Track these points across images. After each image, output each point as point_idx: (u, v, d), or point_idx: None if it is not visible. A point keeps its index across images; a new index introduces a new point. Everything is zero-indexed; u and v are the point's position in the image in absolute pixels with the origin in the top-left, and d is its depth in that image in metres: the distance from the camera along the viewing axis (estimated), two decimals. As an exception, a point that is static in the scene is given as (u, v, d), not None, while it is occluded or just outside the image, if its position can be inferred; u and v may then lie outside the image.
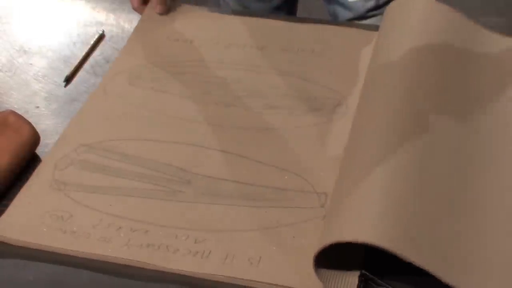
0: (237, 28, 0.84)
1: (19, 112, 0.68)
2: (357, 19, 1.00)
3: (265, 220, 0.59)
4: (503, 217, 0.54)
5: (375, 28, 0.79)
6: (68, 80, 0.78)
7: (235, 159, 0.65)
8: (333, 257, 0.51)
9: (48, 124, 0.72)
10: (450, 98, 0.63)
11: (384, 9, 0.81)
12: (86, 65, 0.80)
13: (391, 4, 0.75)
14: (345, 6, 1.01)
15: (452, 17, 0.71)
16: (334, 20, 1.05)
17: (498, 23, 0.74)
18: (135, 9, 0.86)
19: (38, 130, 0.68)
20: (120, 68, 0.78)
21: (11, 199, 0.63)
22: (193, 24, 0.85)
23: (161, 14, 0.85)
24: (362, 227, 0.49)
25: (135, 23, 0.85)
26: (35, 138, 0.67)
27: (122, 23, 0.87)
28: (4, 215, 0.61)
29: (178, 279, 0.55)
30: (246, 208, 0.60)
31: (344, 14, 1.02)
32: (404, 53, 0.66)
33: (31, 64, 0.81)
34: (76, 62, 0.80)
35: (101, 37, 0.84)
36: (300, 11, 1.20)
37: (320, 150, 0.65)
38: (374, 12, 1.00)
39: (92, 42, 0.83)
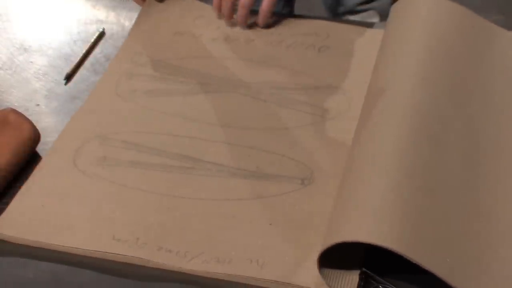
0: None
1: (20, 110, 0.68)
2: (349, 13, 1.00)
3: (268, 215, 0.59)
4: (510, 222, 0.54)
5: (376, 25, 0.79)
6: (68, 78, 0.78)
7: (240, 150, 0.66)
8: (334, 255, 0.51)
9: (48, 122, 0.72)
10: (461, 98, 0.63)
11: (374, 4, 0.81)
12: (87, 63, 0.80)
13: (397, 3, 0.74)
14: (337, 0, 1.01)
15: (461, 14, 0.71)
16: (331, 15, 1.06)
17: (498, 21, 0.74)
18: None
19: (39, 128, 0.68)
20: (120, 65, 0.78)
21: (11, 197, 0.63)
22: (195, 16, 0.85)
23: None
24: (368, 228, 0.49)
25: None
26: (36, 136, 0.67)
27: (122, 21, 0.87)
28: (4, 213, 0.61)
29: (179, 277, 0.55)
30: (246, 203, 0.61)
31: (337, 9, 1.03)
32: (414, 51, 0.65)
33: (31, 62, 0.81)
34: (76, 60, 0.80)
35: (101, 35, 0.84)
36: (299, 10, 1.20)
37: (323, 148, 0.65)
38: (364, 7, 1.00)
39: (92, 40, 0.83)
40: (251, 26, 0.82)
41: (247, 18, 0.81)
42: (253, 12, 0.81)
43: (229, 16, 0.82)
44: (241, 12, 0.80)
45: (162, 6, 0.87)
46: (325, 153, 0.65)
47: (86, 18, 0.88)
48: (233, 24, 0.83)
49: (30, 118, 0.68)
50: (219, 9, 0.82)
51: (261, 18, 0.80)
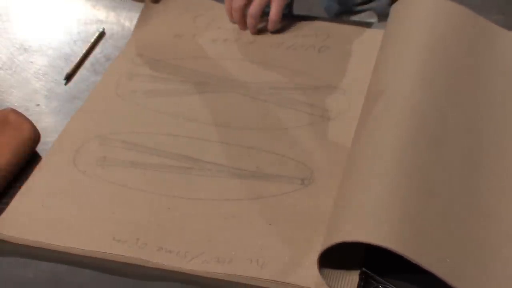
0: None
1: (20, 110, 0.68)
2: (346, 13, 1.01)
3: (267, 215, 0.59)
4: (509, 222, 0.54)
5: (375, 25, 0.79)
6: (68, 78, 0.78)
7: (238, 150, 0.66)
8: (334, 255, 0.51)
9: (48, 122, 0.72)
10: (461, 98, 0.63)
11: (372, 4, 0.81)
12: (87, 63, 0.80)
13: (397, 3, 0.74)
14: (335, 0, 1.01)
15: (461, 14, 0.71)
16: (328, 15, 1.06)
17: (498, 21, 0.74)
18: None
19: (39, 128, 0.68)
20: (121, 65, 0.78)
21: (11, 197, 0.63)
22: (195, 16, 0.85)
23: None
24: (368, 228, 0.49)
25: (135, 21, 0.85)
26: (36, 136, 0.67)
27: (122, 21, 0.87)
28: (4, 213, 0.61)
29: (179, 277, 0.55)
30: (247, 204, 0.61)
31: (336, 9, 1.03)
32: (414, 51, 0.65)
33: (31, 62, 0.81)
34: (76, 60, 0.80)
35: (101, 35, 0.84)
36: (299, 10, 1.20)
37: (323, 148, 0.66)
38: (363, 7, 1.00)
39: (92, 40, 0.83)
40: None
41: (256, 27, 0.81)
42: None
43: (242, 25, 0.82)
44: (250, 21, 0.81)
45: (162, 6, 0.87)
46: (325, 153, 0.65)
47: (86, 18, 0.88)
48: (234, 25, 0.83)
49: (30, 118, 0.68)
50: (232, 15, 0.83)
51: (270, 26, 0.81)
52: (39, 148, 0.68)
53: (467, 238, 0.52)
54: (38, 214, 0.61)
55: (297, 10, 1.19)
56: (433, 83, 0.62)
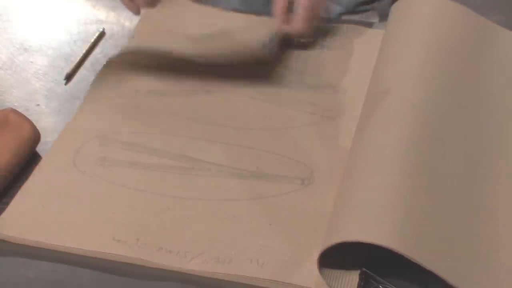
0: (239, 25, 0.84)
1: (20, 110, 0.68)
2: (348, 14, 1.00)
3: (266, 214, 0.59)
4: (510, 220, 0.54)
5: (376, 25, 0.79)
6: (68, 78, 0.78)
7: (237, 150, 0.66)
8: (334, 255, 0.51)
9: (48, 122, 0.72)
10: (462, 98, 0.63)
11: (374, 4, 0.80)
12: (87, 63, 0.80)
13: (398, 3, 0.74)
14: (336, 1, 1.01)
15: (462, 14, 0.71)
16: (328, 15, 1.05)
17: (499, 22, 0.74)
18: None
19: (39, 128, 0.68)
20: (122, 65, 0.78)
21: (11, 197, 0.63)
22: (196, 17, 0.85)
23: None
24: (368, 228, 0.49)
25: (135, 21, 0.85)
26: (36, 136, 0.67)
27: (122, 21, 0.87)
28: (4, 213, 0.61)
29: (179, 276, 0.55)
30: (246, 203, 0.60)
31: (335, 9, 1.02)
32: (415, 51, 0.65)
33: (31, 62, 0.81)
34: (76, 60, 0.80)
35: (101, 35, 0.84)
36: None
37: (323, 148, 0.65)
38: (365, 7, 1.00)
39: (92, 40, 0.83)
40: None
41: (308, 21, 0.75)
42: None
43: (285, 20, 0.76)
44: (303, 13, 0.75)
45: (162, 6, 0.86)
46: (325, 153, 0.65)
47: (86, 18, 0.88)
48: (233, 25, 0.83)
49: (30, 118, 0.68)
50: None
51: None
52: (39, 148, 0.68)
53: (468, 238, 0.52)
54: (38, 214, 0.61)
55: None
56: (434, 82, 0.62)
